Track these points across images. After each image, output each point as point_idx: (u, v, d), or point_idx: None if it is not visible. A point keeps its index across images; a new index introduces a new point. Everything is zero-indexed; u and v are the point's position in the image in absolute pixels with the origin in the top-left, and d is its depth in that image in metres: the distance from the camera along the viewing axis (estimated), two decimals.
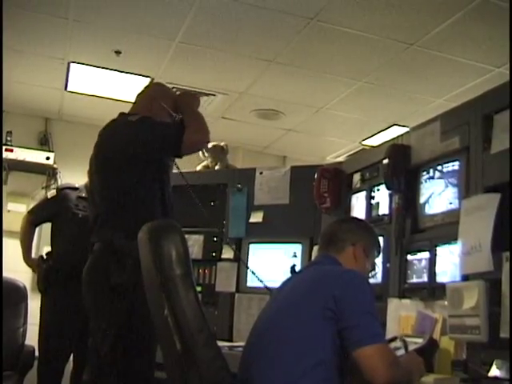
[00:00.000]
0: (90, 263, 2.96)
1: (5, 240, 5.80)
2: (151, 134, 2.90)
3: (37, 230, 4.79)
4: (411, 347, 2.42)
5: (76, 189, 4.68)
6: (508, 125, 2.50)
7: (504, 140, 2.51)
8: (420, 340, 2.57)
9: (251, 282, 4.08)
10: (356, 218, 3.19)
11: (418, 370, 2.23)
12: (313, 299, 2.05)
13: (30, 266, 4.67)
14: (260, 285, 3.47)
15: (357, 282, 2.11)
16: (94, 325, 2.88)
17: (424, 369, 2.29)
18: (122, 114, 3.15)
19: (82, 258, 4.40)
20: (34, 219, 4.68)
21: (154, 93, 3.20)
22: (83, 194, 4.61)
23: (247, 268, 3.57)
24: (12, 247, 4.78)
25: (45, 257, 4.60)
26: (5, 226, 6.17)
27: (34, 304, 4.65)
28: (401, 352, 2.41)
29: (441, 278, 2.81)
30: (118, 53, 5.39)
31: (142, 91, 3.29)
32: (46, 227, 4.82)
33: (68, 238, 4.50)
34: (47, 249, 4.66)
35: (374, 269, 2.50)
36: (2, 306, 4.30)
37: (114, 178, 2.92)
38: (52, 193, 4.80)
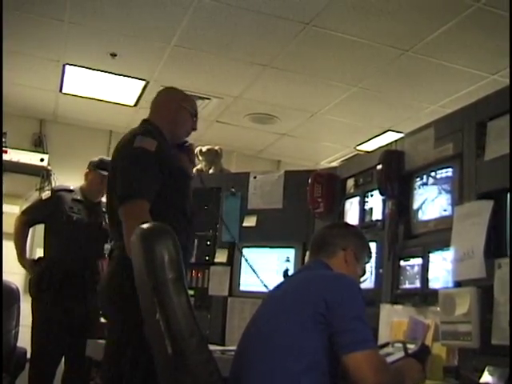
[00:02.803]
0: (109, 272, 2.87)
1: None
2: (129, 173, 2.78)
3: (30, 232, 4.74)
4: (402, 354, 2.41)
5: (71, 191, 4.63)
6: (502, 131, 2.50)
7: (497, 147, 2.52)
8: (412, 346, 2.57)
9: (244, 285, 4.09)
10: (346, 223, 3.19)
11: (413, 378, 2.21)
12: (304, 304, 2.05)
13: (24, 266, 4.64)
14: (253, 289, 3.47)
15: (348, 287, 2.11)
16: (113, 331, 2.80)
17: (422, 376, 2.27)
18: (144, 121, 3.10)
19: (76, 261, 4.42)
20: (27, 220, 4.63)
21: (169, 95, 3.17)
22: (78, 197, 4.58)
23: (253, 271, 3.52)
24: (5, 249, 4.76)
25: (37, 260, 4.58)
26: None
27: (26, 306, 4.63)
28: (394, 357, 2.40)
29: (433, 284, 2.81)
30: (113, 55, 5.39)
31: (156, 96, 3.23)
32: (39, 229, 4.79)
33: (62, 241, 4.48)
34: (40, 251, 4.63)
35: (364, 274, 2.49)
36: (1, 308, 4.29)
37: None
38: (46, 194, 4.74)
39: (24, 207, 4.93)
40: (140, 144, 2.81)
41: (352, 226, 2.78)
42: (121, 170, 2.82)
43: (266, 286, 3.33)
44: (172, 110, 3.08)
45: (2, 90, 4.58)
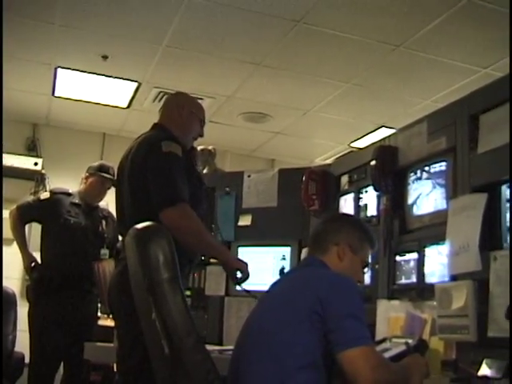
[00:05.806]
0: (119, 271, 2.82)
1: None
2: (164, 182, 2.81)
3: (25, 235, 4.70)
4: (400, 348, 2.41)
5: (70, 194, 4.62)
6: (494, 124, 2.51)
7: (490, 140, 2.52)
8: (410, 341, 2.57)
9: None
10: (342, 215, 3.16)
11: (421, 372, 2.18)
12: (300, 303, 2.04)
13: (24, 260, 4.52)
14: (249, 288, 3.45)
15: (342, 285, 2.09)
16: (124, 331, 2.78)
17: (427, 370, 2.25)
18: (155, 126, 3.15)
19: (72, 265, 4.40)
20: (22, 217, 4.54)
21: (181, 101, 3.22)
22: (76, 201, 4.57)
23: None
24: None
25: (34, 267, 4.53)
26: None
27: (23, 310, 4.62)
28: (392, 353, 2.40)
29: (429, 279, 2.81)
30: (104, 57, 5.39)
31: (167, 101, 3.30)
32: (35, 233, 4.75)
33: (58, 245, 4.45)
34: (36, 255, 4.60)
35: (367, 265, 2.43)
36: (1, 311, 4.27)
37: (142, 195, 2.85)
38: (45, 195, 4.69)
39: (19, 203, 4.82)
40: (169, 149, 2.86)
41: (349, 216, 2.75)
42: (157, 175, 2.83)
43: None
44: (183, 116, 3.14)
45: (2, 95, 4.56)
